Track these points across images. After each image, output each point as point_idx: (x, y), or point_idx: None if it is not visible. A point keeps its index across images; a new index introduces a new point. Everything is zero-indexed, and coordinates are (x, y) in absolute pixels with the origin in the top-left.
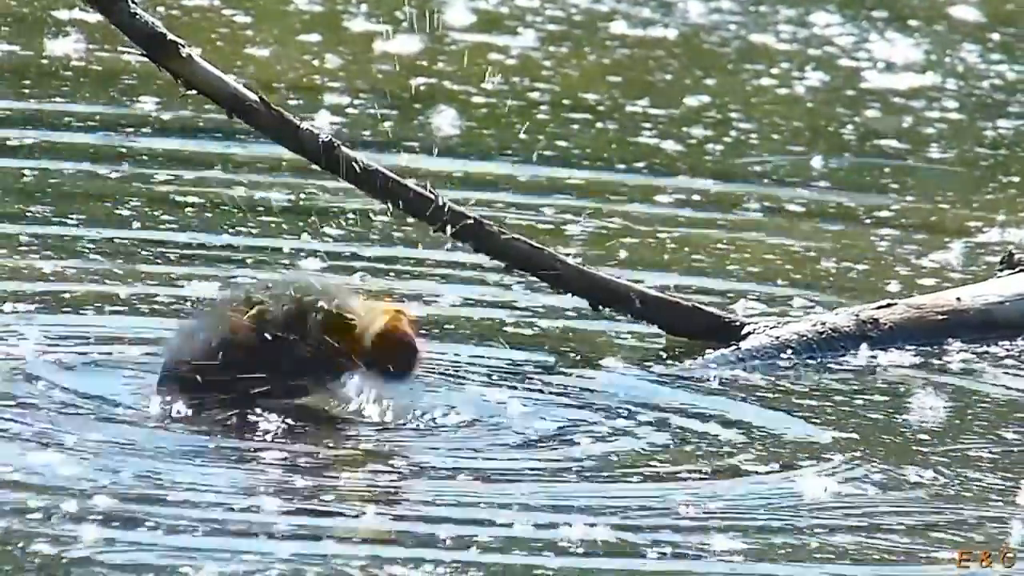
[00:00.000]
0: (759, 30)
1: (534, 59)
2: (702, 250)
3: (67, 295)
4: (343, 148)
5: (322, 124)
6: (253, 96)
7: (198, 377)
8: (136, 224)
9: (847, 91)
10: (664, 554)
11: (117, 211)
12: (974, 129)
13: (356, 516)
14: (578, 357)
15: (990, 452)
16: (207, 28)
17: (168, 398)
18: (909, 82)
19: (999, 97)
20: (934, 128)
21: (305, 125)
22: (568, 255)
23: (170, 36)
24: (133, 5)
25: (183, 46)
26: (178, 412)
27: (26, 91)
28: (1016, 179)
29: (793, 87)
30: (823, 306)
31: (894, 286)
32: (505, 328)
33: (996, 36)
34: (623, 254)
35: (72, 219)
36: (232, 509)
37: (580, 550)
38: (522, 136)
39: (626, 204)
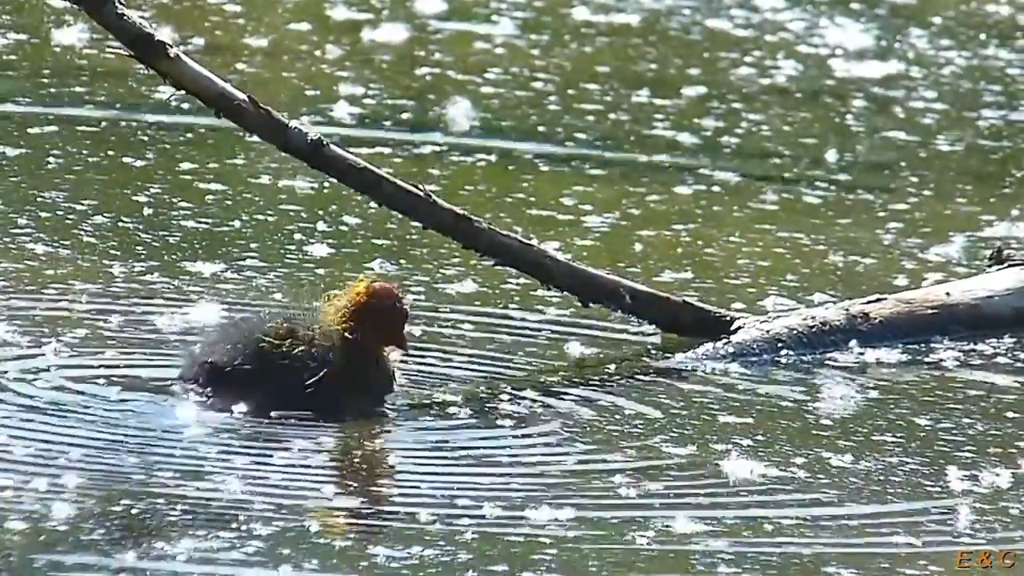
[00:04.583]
0: (712, 15)
1: (520, 48)
2: (715, 244)
3: (71, 284)
4: (331, 147)
5: (342, 115)
6: (241, 95)
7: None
8: (149, 211)
9: (825, 81)
10: (631, 537)
11: (135, 198)
12: (966, 120)
13: (335, 496)
14: (576, 350)
15: (897, 437)
16: (199, 17)
17: (166, 388)
18: (876, 71)
19: (967, 85)
20: (929, 119)
21: (293, 124)
22: (586, 247)
23: (158, 36)
24: (120, 5)
25: (170, 46)
26: (164, 400)
27: (44, 80)
28: None
29: (774, 77)
30: (832, 300)
31: (901, 280)
32: (504, 321)
33: (938, 20)
34: (638, 247)
35: (84, 205)
36: (209, 487)
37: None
38: (540, 129)
39: (645, 196)
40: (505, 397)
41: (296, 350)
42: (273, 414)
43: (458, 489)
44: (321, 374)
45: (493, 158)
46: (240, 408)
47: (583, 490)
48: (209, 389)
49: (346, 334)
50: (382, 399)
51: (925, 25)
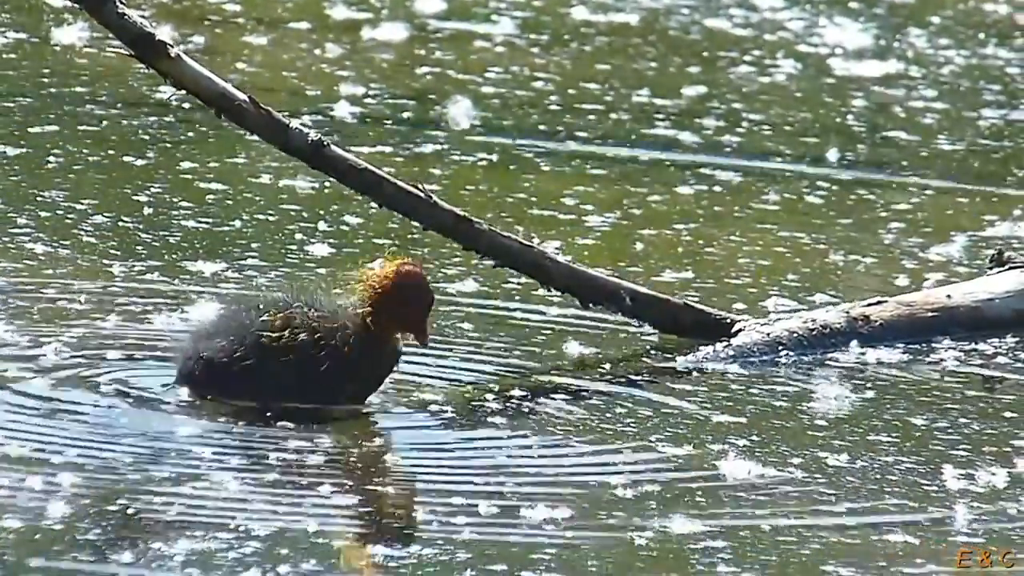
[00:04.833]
0: (711, 14)
1: (520, 48)
2: (716, 244)
3: (71, 284)
4: (332, 147)
5: (343, 114)
6: (241, 95)
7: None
8: (149, 211)
9: (825, 80)
10: (629, 536)
11: (135, 198)
12: (966, 119)
13: (333, 496)
14: (576, 350)
15: (893, 437)
16: (199, 17)
17: (164, 389)
18: (875, 69)
19: (967, 84)
20: (929, 119)
21: (294, 124)
22: (587, 247)
23: (158, 36)
24: (121, 5)
25: (171, 46)
26: (162, 400)
27: (44, 80)
28: None
29: (773, 76)
30: (832, 300)
31: (902, 280)
32: (504, 320)
33: (936, 19)
34: (639, 247)
35: (84, 204)
36: (206, 486)
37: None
38: (541, 128)
39: (646, 196)
40: (504, 396)
41: (297, 339)
42: (271, 412)
43: (456, 488)
44: (325, 364)
45: (494, 158)
46: (238, 403)
47: (581, 490)
48: (206, 385)
49: (365, 319)
50: (377, 389)
51: (924, 24)
